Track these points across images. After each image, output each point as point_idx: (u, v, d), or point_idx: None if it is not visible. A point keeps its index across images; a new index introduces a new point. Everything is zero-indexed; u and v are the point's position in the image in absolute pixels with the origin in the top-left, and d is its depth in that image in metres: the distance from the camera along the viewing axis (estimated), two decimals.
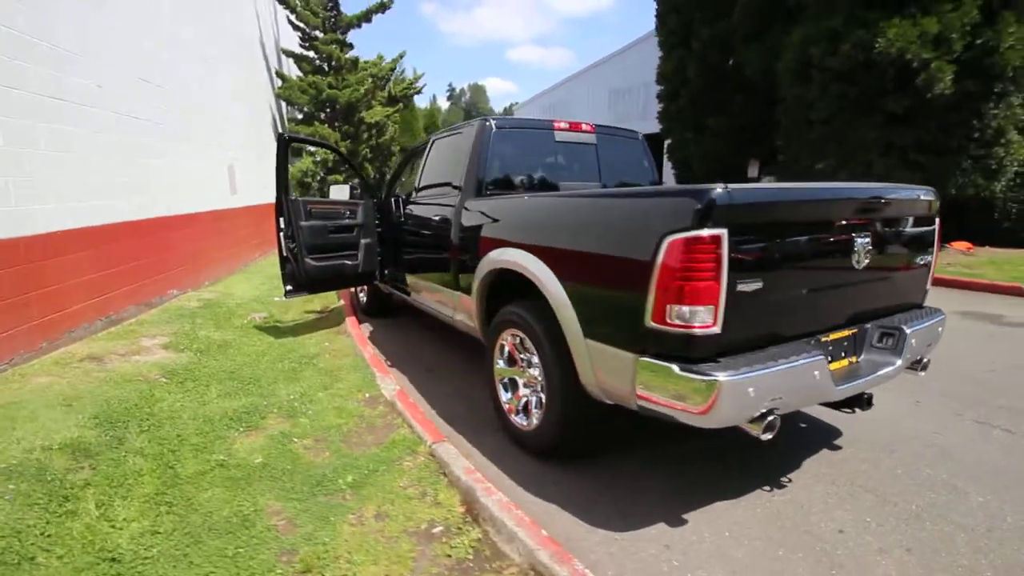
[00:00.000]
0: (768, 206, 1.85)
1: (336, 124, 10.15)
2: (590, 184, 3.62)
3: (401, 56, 10.72)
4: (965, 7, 6.46)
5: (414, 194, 4.09)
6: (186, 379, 3.40)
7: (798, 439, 2.73)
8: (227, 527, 1.95)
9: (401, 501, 2.16)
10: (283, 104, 10.37)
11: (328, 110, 10.20)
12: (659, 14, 11.51)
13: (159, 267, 5.36)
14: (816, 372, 1.87)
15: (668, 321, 1.73)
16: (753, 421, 1.80)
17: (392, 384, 3.37)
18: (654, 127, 20.11)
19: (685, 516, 2.14)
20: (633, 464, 2.52)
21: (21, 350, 3.48)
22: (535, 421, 2.53)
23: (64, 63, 4.01)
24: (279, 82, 9.87)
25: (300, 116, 10.44)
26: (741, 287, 1.74)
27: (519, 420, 2.69)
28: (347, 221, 4.65)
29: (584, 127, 3.65)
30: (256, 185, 8.59)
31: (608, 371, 2.04)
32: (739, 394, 1.69)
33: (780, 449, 2.62)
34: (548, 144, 3.54)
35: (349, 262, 4.65)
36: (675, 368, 1.73)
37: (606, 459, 2.55)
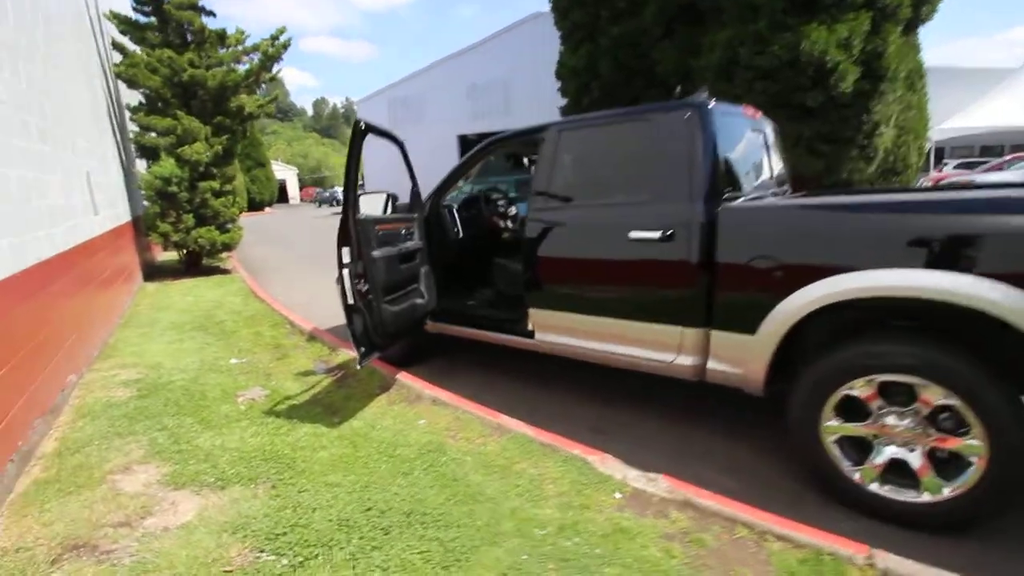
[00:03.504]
0: None
1: (206, 114, 7.72)
2: (766, 176, 3.10)
3: (282, 31, 8.62)
4: (860, 18, 7.56)
5: (541, 203, 3.04)
6: (314, 545, 1.95)
7: None
8: None
9: None
10: (121, 86, 7.49)
11: (188, 95, 7.67)
12: (558, 8, 11.34)
13: (49, 346, 3.23)
14: None
15: None
16: None
17: (629, 470, 2.41)
18: (517, 123, 20.32)
19: None
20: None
21: None
22: (945, 491, 1.95)
23: None
24: (117, 57, 7.03)
25: (143, 102, 7.66)
26: None
27: (887, 492, 2.08)
28: (410, 244, 3.34)
29: (759, 112, 3.12)
30: (105, 200, 6.01)
31: None
32: None
33: None
34: (745, 131, 2.91)
35: (419, 300, 3.37)
36: None
37: None
